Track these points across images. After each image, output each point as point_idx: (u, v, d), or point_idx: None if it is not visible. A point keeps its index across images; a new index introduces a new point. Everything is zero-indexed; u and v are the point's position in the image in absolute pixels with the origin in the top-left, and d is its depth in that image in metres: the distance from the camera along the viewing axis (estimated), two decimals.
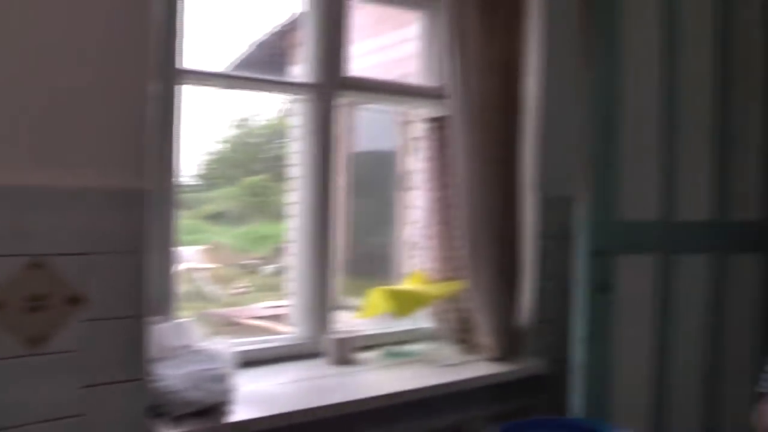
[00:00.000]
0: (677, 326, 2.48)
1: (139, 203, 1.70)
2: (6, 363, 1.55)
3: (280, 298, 3.92)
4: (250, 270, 6.90)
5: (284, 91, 2.57)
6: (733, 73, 2.57)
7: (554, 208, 2.58)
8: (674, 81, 2.45)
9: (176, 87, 2.10)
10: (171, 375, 1.83)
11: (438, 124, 2.63)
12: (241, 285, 6.61)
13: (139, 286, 1.70)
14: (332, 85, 2.44)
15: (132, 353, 1.70)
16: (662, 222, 2.46)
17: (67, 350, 1.61)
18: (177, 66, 2.10)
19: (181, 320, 2.11)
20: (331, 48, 2.44)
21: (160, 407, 1.77)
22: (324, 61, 2.43)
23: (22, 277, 1.56)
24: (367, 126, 2.91)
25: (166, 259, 2.09)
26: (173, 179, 2.11)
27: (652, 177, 2.44)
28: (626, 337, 2.38)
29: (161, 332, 1.92)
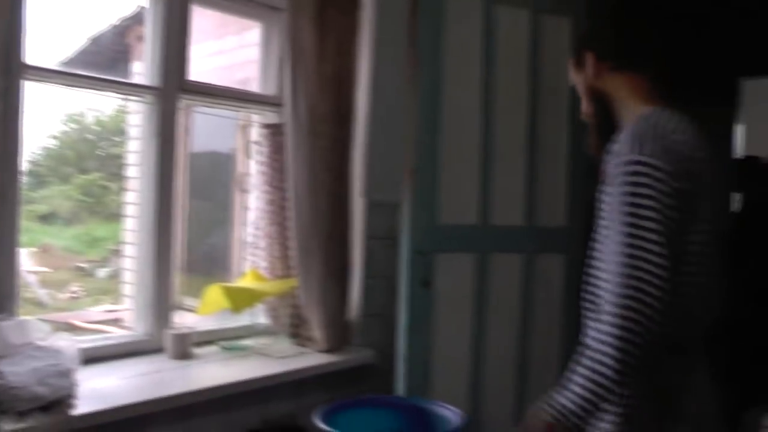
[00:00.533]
0: (492, 318, 2.73)
1: None
2: None
3: (116, 301, 3.86)
4: (84, 273, 6.61)
5: (126, 92, 2.60)
6: (544, 91, 2.85)
7: (381, 211, 2.81)
8: (491, 98, 2.70)
9: (20, 82, 2.08)
10: (14, 372, 1.84)
11: (274, 130, 2.77)
12: (74, 288, 6.34)
13: None
14: (174, 88, 2.51)
15: None
16: (479, 226, 2.70)
17: None
18: (21, 60, 2.08)
19: (24, 318, 2.10)
20: (174, 51, 2.50)
21: (4, 403, 1.78)
22: (166, 64, 2.49)
23: None
24: (205, 127, 2.98)
25: (10, 257, 2.09)
26: (17, 176, 2.10)
27: (470, 185, 2.68)
28: (446, 328, 2.60)
29: (4, 330, 1.93)
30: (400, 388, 2.48)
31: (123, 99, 2.51)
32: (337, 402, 1.61)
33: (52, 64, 2.23)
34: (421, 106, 2.51)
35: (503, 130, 2.74)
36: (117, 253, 3.63)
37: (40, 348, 2.01)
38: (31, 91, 2.13)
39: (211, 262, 2.95)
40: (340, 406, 1.63)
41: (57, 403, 1.87)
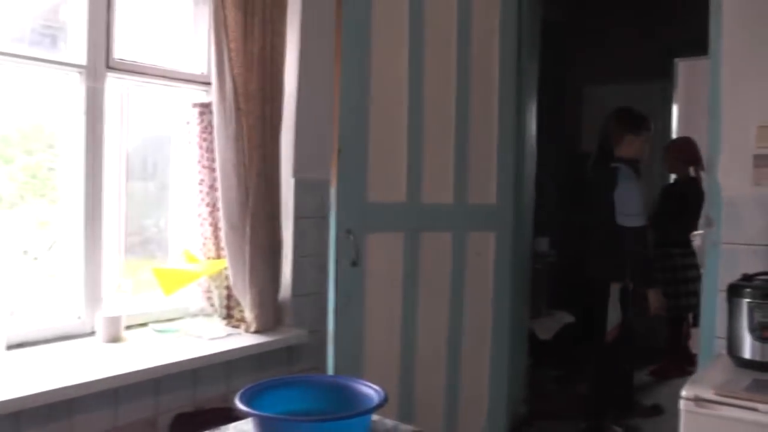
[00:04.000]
0: (423, 296, 2.75)
1: None
2: None
3: (56, 283, 3.80)
4: (24, 256, 6.46)
5: (56, 70, 2.51)
6: (473, 69, 2.86)
7: (311, 190, 2.81)
8: (420, 76, 2.69)
9: None
10: None
11: (203, 109, 2.74)
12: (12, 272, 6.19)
13: None
14: (101, 66, 2.48)
15: None
16: (408, 204, 2.70)
17: None
18: None
19: None
20: (100, 28, 2.47)
21: None
22: (95, 42, 2.45)
23: None
24: (142, 109, 2.93)
25: None
26: None
27: (399, 164, 2.67)
28: (376, 305, 2.60)
29: None
30: (330, 366, 2.49)
31: (54, 77, 2.45)
32: (258, 383, 1.62)
33: None
34: (348, 85, 2.48)
35: (432, 108, 2.74)
36: (58, 235, 3.55)
37: None
38: None
39: (151, 244, 2.92)
40: (261, 387, 1.63)
41: None
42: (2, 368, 1.98)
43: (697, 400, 1.88)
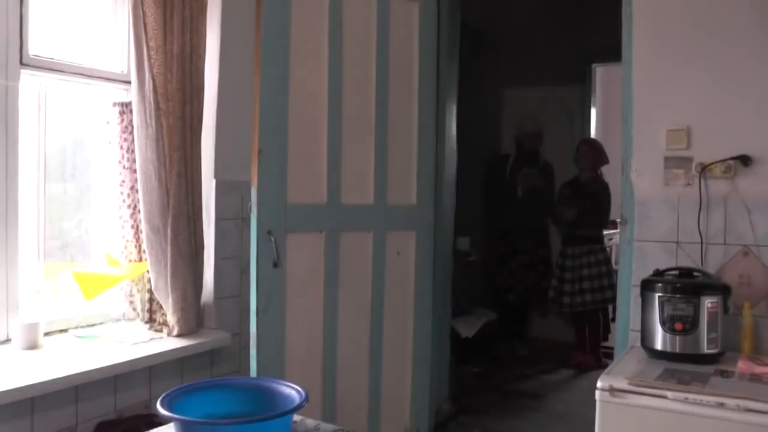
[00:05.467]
0: (344, 296, 2.76)
1: None
2: None
3: None
4: None
5: None
6: (393, 71, 2.89)
7: (232, 191, 2.80)
8: (339, 78, 2.71)
9: None
10: None
11: (123, 108, 2.70)
12: None
13: None
14: (13, 62, 2.39)
15: None
16: (328, 205, 2.71)
17: None
18: None
19: None
20: (15, 24, 2.38)
21: None
22: (7, 38, 2.36)
23: None
24: (61, 108, 2.85)
25: None
26: None
27: (319, 165, 2.68)
28: (298, 306, 2.60)
29: None
30: (253, 369, 2.47)
31: None
32: (179, 387, 1.61)
33: None
34: (267, 86, 2.48)
35: (351, 110, 2.77)
36: None
37: None
38: None
39: (71, 248, 2.85)
40: (183, 391, 1.62)
41: None
42: None
43: (612, 390, 1.95)
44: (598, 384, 1.98)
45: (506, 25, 5.79)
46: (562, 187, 5.15)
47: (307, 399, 1.53)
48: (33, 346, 2.38)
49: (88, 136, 2.83)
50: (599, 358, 4.90)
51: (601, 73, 6.03)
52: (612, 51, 3.02)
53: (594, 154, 5.01)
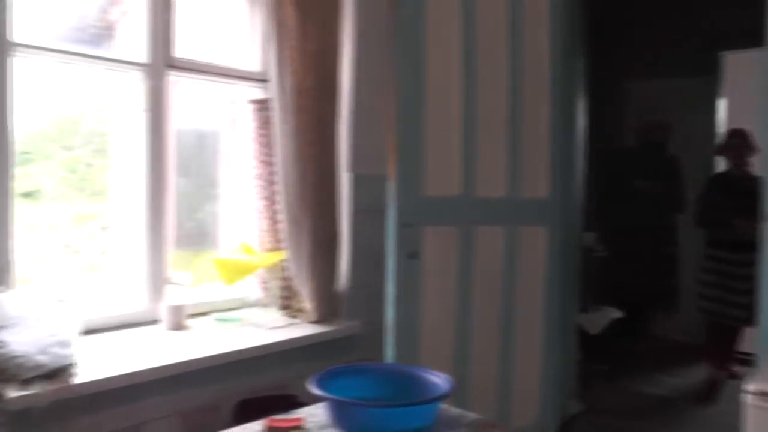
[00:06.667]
0: (477, 288, 2.81)
1: None
2: None
3: (104, 276, 3.90)
4: (70, 249, 6.59)
5: (115, 68, 2.59)
6: (526, 62, 2.90)
7: (367, 184, 2.87)
8: (473, 70, 2.74)
9: (8, 59, 2.13)
10: (16, 341, 1.90)
11: (261, 105, 2.81)
12: (59, 264, 6.33)
13: None
14: (162, 64, 2.56)
15: None
16: (463, 198, 2.76)
17: None
18: (8, 38, 2.13)
19: (21, 290, 2.18)
20: (160, 27, 2.55)
21: (7, 372, 1.85)
22: (154, 40, 2.54)
23: None
24: (190, 103, 3.01)
25: (4, 232, 2.15)
26: (9, 152, 2.16)
27: (454, 158, 2.73)
28: (432, 297, 2.67)
29: (2, 301, 1.99)
30: (389, 356, 2.55)
31: (111, 75, 2.54)
32: (330, 369, 1.68)
33: (39, 41, 2.27)
34: (403, 80, 2.55)
35: (485, 102, 2.79)
36: (104, 229, 3.65)
37: (39, 319, 2.07)
38: (18, 69, 2.17)
39: (198, 237, 3.00)
40: (332, 373, 1.69)
41: (58, 372, 1.95)
42: (79, 353, 2.07)
43: (763, 395, 1.89)
44: (747, 388, 1.93)
45: (627, 13, 5.62)
46: (711, 188, 4.56)
47: (454, 387, 1.57)
48: (179, 327, 2.53)
49: (217, 130, 2.96)
50: (731, 366, 4.55)
51: (731, 60, 5.69)
52: (745, 36, 2.88)
53: (747, 144, 4.36)
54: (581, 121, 3.77)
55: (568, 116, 3.41)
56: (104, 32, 4.15)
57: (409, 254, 2.59)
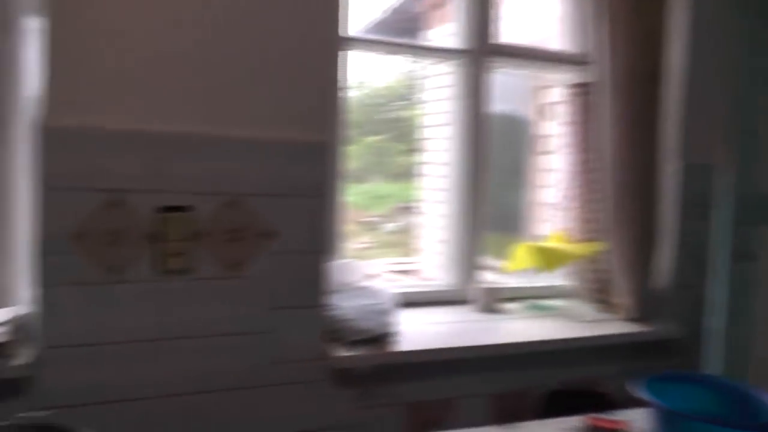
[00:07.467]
0: None
1: (322, 154, 1.93)
2: (209, 284, 1.82)
3: (404, 254, 4.10)
4: (371, 227, 7.07)
5: (434, 57, 2.68)
6: None
7: (695, 175, 2.63)
8: None
9: (342, 53, 2.26)
10: (343, 306, 2.06)
11: (581, 89, 2.70)
12: (362, 241, 6.81)
13: (321, 227, 1.94)
14: (481, 50, 2.58)
15: (312, 283, 1.95)
16: None
17: (259, 276, 1.87)
18: (342, 34, 2.24)
19: (349, 259, 2.34)
20: (482, 14, 2.58)
21: (334, 332, 2.01)
22: (475, 26, 2.57)
23: (222, 212, 1.82)
24: (499, 88, 3.00)
25: (335, 203, 2.30)
26: (341, 133, 2.31)
27: None
28: (766, 306, 2.40)
29: (334, 268, 2.14)
30: (711, 367, 2.32)
31: (431, 63, 2.63)
32: (658, 374, 1.56)
33: (359, 35, 2.39)
34: (744, 64, 2.29)
35: None
36: (404, 210, 3.84)
37: (362, 288, 2.23)
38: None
39: (503, 222, 2.99)
40: (659, 379, 1.57)
41: (380, 338, 2.07)
42: (398, 323, 2.17)
43: None
44: None
45: None
46: None
47: None
48: (490, 309, 2.55)
49: (529, 115, 2.91)
50: None
51: None
52: None
53: None
54: None
55: None
56: (413, 24, 4.34)
57: (743, 255, 2.33)
